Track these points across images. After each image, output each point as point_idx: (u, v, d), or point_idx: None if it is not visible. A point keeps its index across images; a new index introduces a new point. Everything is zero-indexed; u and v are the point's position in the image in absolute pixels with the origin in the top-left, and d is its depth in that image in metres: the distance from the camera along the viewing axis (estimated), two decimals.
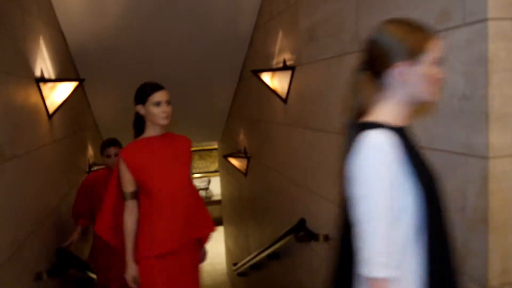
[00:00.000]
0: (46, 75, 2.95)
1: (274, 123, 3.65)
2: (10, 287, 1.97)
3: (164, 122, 2.31)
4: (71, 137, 3.73)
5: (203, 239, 2.62)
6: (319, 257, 2.83)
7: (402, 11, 1.78)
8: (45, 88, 2.86)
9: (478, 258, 1.48)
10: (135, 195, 2.39)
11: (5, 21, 2.25)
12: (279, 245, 3.33)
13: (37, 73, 2.80)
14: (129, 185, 2.37)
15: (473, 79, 1.44)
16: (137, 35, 3.95)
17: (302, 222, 2.98)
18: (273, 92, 3.38)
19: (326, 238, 2.66)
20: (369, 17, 2.05)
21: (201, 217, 2.54)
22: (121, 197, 2.43)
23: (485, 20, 1.38)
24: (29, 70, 2.65)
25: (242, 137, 5.04)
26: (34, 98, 2.70)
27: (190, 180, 2.50)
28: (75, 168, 3.84)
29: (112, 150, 3.14)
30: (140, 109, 2.34)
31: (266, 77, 3.42)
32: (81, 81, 3.16)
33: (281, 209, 3.67)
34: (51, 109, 2.95)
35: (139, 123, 2.41)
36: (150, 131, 2.39)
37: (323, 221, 2.73)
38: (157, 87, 2.31)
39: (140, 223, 2.40)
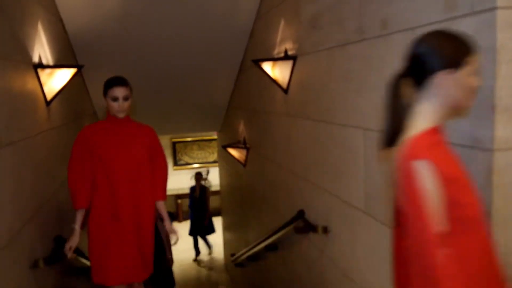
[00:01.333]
0: (44, 61, 2.91)
1: (275, 113, 3.62)
2: (6, 275, 1.95)
3: (469, 104, 1.34)
4: (70, 124, 3.69)
5: None
6: (317, 248, 2.81)
7: (407, 0, 1.74)
8: (43, 74, 2.82)
9: None
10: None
11: (2, 4, 2.21)
12: (278, 236, 3.32)
13: (35, 59, 2.76)
14: (442, 217, 1.20)
15: (480, 70, 1.41)
16: (136, 23, 3.90)
17: (301, 213, 2.97)
18: (274, 82, 3.35)
19: (325, 230, 2.65)
20: (372, 5, 2.01)
21: None
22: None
23: (494, 9, 1.34)
24: (27, 55, 2.61)
25: (241, 128, 5.01)
26: (32, 84, 2.66)
27: None
28: None
29: (120, 92, 2.32)
30: (448, 79, 1.26)
31: (267, 66, 3.39)
32: (79, 67, 3.12)
33: (280, 200, 3.65)
34: (49, 95, 2.91)
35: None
36: (442, 117, 1.32)
37: (322, 213, 2.71)
38: (472, 46, 1.28)
39: None
